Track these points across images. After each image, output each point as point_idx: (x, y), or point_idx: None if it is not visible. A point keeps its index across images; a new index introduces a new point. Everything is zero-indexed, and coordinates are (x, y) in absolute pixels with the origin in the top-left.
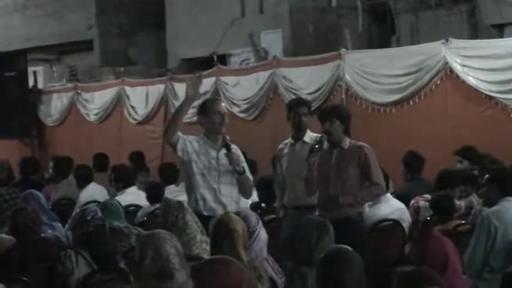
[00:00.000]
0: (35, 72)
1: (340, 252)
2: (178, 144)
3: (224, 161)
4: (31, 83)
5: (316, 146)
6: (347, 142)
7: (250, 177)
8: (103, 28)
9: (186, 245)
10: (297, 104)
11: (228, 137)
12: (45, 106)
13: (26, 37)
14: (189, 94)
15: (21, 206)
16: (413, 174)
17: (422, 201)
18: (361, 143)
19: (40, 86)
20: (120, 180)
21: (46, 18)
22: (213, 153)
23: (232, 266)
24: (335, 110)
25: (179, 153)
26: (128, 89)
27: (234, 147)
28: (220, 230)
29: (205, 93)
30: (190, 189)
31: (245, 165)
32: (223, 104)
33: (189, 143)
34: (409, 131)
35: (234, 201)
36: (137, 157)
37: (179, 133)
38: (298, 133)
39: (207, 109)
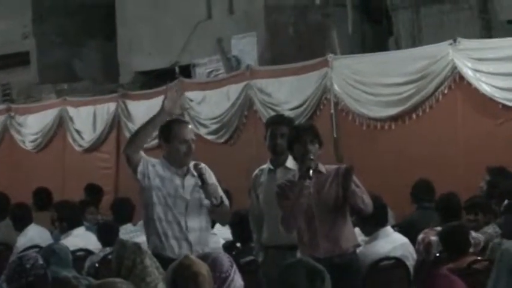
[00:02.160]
0: None
1: None
2: (139, 166)
3: (191, 189)
4: None
5: (310, 169)
6: (322, 166)
7: (227, 202)
8: (41, 37)
9: None
10: (274, 123)
11: (201, 164)
12: None
13: None
14: (166, 108)
15: None
16: (421, 203)
17: (433, 235)
18: (337, 165)
19: None
20: (65, 219)
21: None
22: (178, 180)
23: None
24: (315, 129)
25: (139, 176)
26: (71, 109)
27: (203, 167)
28: (182, 275)
29: (187, 109)
30: (149, 224)
31: (220, 190)
32: (190, 127)
33: (151, 167)
34: (412, 151)
35: (203, 238)
36: (93, 191)
37: (142, 153)
38: (278, 157)
39: (171, 134)
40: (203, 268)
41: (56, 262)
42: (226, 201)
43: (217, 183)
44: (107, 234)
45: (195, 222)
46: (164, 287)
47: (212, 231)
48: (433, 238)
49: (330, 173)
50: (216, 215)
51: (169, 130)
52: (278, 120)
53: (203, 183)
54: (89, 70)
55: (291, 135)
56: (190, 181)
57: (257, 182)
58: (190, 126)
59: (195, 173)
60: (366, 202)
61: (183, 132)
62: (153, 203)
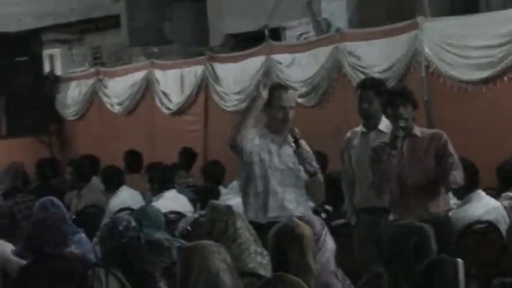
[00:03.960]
0: (51, 56)
1: None
2: (247, 147)
3: (287, 158)
4: (47, 69)
5: (402, 131)
6: (418, 130)
7: (321, 177)
8: (131, 0)
9: (237, 257)
10: (360, 87)
11: (297, 130)
12: (64, 96)
13: (39, 14)
14: (262, 93)
15: (39, 217)
16: None
17: (507, 200)
18: (434, 129)
19: (58, 72)
20: (158, 181)
21: None
22: (274, 148)
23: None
24: (408, 93)
25: (245, 157)
26: (158, 72)
27: (303, 143)
28: (286, 237)
29: None
30: (248, 196)
31: (315, 163)
32: (291, 93)
33: (250, 142)
34: (504, 113)
35: (302, 207)
36: (188, 155)
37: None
38: (369, 121)
39: (270, 100)
40: (307, 230)
41: (148, 224)
42: (320, 176)
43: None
44: (208, 197)
45: (292, 191)
46: (256, 248)
47: None
48: (506, 202)
49: (425, 137)
50: (311, 189)
51: (269, 95)
52: (364, 84)
53: (298, 147)
54: (179, 33)
55: (383, 99)
56: (288, 150)
57: (350, 144)
58: (291, 91)
59: (291, 139)
60: (458, 181)
61: (281, 98)
62: (254, 176)
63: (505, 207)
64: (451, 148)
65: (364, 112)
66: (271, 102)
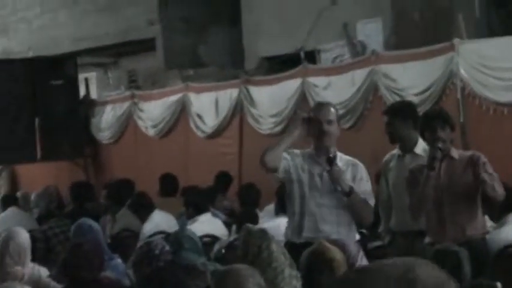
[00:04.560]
0: (86, 80)
1: None
2: (281, 165)
3: (328, 179)
4: (82, 92)
5: (440, 152)
6: (456, 152)
7: (371, 200)
8: (167, 23)
9: (272, 281)
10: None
11: (334, 150)
12: (99, 120)
13: (75, 38)
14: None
15: (76, 242)
16: None
17: None
18: (472, 151)
19: (93, 95)
20: (192, 205)
21: (99, 14)
22: (318, 170)
23: None
24: (445, 114)
25: (281, 174)
26: (192, 95)
27: (354, 162)
28: (317, 261)
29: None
30: (289, 214)
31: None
32: (331, 110)
33: (291, 160)
34: None
35: (343, 229)
36: (224, 178)
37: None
38: (403, 144)
39: (311, 117)
40: (338, 254)
41: (188, 248)
42: (370, 200)
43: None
44: (245, 220)
45: (331, 213)
46: (291, 271)
47: None
48: None
49: (462, 159)
50: (351, 210)
51: (309, 113)
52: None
53: (331, 165)
54: (215, 56)
55: (421, 122)
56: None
57: (387, 167)
58: (330, 108)
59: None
60: (497, 189)
61: (319, 113)
62: (293, 196)
63: None
64: (489, 168)
65: (389, 136)
66: (311, 119)
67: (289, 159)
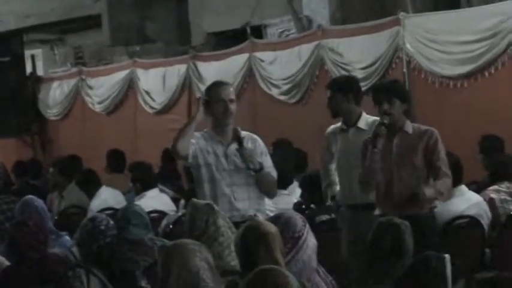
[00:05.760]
0: (33, 56)
1: None
2: (189, 151)
3: (236, 158)
4: (29, 69)
5: (383, 127)
6: (410, 126)
7: (274, 173)
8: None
9: (219, 256)
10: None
11: (239, 128)
12: (46, 96)
13: (21, 14)
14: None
15: (21, 219)
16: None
17: (494, 193)
18: (427, 126)
19: (40, 72)
20: (140, 181)
21: None
22: (221, 149)
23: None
24: (394, 88)
25: (190, 160)
26: (140, 71)
27: (252, 137)
28: (251, 236)
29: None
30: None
31: (267, 158)
32: (231, 89)
33: (196, 145)
34: (485, 108)
35: (255, 204)
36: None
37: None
38: (347, 118)
39: (210, 96)
40: (272, 227)
41: (136, 223)
42: (273, 173)
43: (264, 149)
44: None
45: (243, 190)
46: None
47: (284, 192)
48: (495, 195)
49: (416, 134)
50: (260, 185)
51: (207, 92)
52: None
53: (240, 146)
54: (161, 32)
55: (372, 96)
56: (235, 150)
57: (330, 140)
58: (230, 87)
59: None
60: (441, 191)
61: (219, 92)
62: (201, 180)
63: (493, 199)
64: (441, 148)
65: (330, 110)
66: (211, 98)
67: (195, 143)
